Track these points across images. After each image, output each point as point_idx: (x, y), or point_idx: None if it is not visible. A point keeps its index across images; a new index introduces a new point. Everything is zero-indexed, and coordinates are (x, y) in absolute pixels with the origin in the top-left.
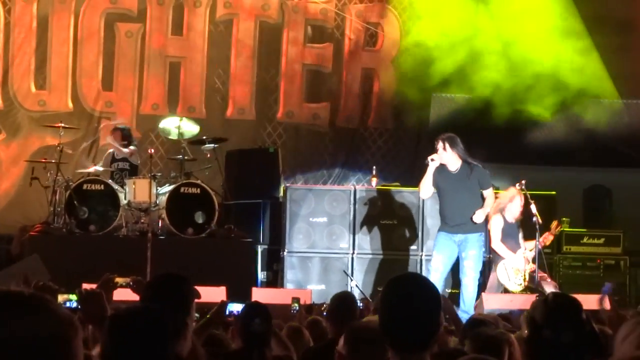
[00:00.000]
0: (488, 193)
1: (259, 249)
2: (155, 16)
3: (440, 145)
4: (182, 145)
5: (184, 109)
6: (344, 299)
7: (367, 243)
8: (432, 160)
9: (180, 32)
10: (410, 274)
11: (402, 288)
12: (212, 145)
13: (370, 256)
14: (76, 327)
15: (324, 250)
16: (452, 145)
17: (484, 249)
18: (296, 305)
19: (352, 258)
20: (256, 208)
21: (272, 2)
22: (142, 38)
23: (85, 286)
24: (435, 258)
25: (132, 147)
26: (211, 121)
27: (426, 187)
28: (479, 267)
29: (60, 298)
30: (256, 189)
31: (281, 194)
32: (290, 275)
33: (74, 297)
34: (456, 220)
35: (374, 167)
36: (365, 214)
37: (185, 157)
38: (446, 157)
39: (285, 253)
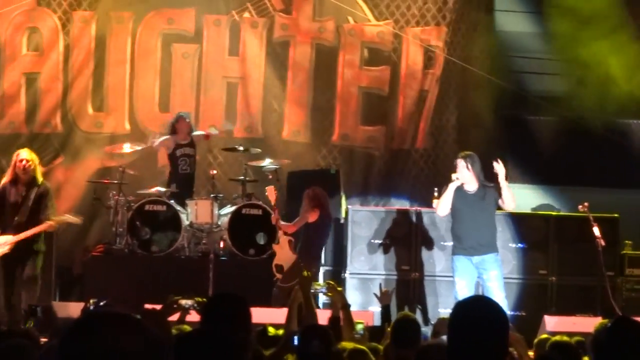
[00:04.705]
0: None
1: (321, 270)
2: (212, 37)
3: (463, 164)
4: (243, 166)
5: (241, 128)
6: (408, 321)
7: (430, 265)
8: (457, 178)
9: (237, 53)
10: (478, 297)
11: (470, 311)
12: (274, 166)
13: (431, 278)
14: (165, 346)
15: (385, 272)
16: (473, 165)
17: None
18: (361, 328)
19: (414, 280)
20: None
21: (328, 25)
22: (198, 59)
23: (147, 307)
24: (459, 284)
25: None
26: (268, 141)
27: (445, 205)
28: (504, 286)
29: None
30: None
31: (343, 215)
32: (351, 297)
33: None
34: (472, 241)
35: (435, 189)
36: (426, 235)
37: (247, 178)
38: (467, 176)
39: (346, 274)
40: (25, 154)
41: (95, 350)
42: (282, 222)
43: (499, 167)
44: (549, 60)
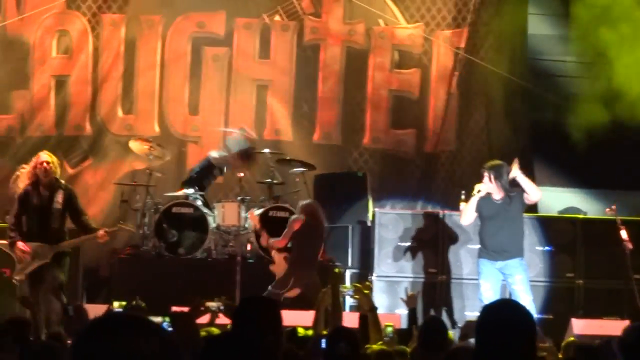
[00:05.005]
0: None
1: (348, 273)
2: (242, 40)
3: (486, 175)
4: (270, 168)
5: (271, 132)
6: (436, 324)
7: (457, 268)
8: (479, 191)
9: (267, 56)
10: (505, 300)
11: (498, 315)
12: (301, 169)
13: (458, 281)
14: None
15: (412, 275)
16: (497, 177)
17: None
18: (391, 331)
19: (441, 283)
20: (344, 232)
21: (359, 28)
22: (228, 62)
23: (175, 309)
24: (484, 286)
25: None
26: (298, 144)
27: (468, 215)
28: (530, 289)
29: None
30: (345, 213)
31: (370, 218)
32: (379, 299)
33: (164, 319)
34: (495, 247)
35: (463, 192)
36: (453, 238)
37: (274, 181)
38: (491, 188)
39: (373, 277)
40: (45, 156)
41: (110, 351)
42: (272, 239)
43: (513, 169)
44: (578, 63)
